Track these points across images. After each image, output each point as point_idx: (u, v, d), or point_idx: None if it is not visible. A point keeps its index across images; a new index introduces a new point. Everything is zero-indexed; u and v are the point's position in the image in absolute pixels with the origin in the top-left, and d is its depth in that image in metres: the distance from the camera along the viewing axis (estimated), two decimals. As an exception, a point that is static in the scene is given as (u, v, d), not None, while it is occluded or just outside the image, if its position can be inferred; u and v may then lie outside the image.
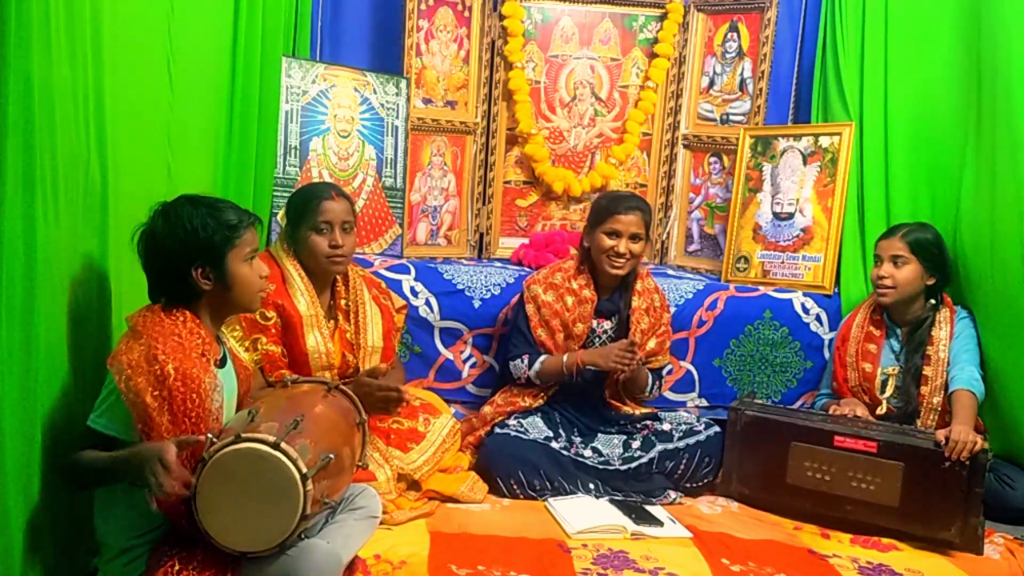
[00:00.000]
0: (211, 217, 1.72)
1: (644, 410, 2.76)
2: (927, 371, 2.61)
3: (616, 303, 2.75)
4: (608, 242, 2.65)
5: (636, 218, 2.65)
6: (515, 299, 2.85)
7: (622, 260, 2.65)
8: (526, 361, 2.67)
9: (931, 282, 2.66)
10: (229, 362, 1.85)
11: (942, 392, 2.57)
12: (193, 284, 1.71)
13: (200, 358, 1.68)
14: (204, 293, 1.73)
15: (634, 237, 2.65)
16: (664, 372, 2.89)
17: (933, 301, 2.69)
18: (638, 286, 2.75)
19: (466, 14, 3.33)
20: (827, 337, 3.01)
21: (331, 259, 2.35)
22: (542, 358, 2.66)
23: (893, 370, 2.68)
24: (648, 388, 2.75)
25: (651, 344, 2.72)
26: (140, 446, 1.58)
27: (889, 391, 2.67)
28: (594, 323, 2.72)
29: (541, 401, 2.68)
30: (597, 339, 2.73)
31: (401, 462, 2.34)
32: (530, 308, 2.71)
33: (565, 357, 2.63)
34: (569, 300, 2.68)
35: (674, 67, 3.45)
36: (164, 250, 1.70)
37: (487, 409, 2.70)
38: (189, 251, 1.70)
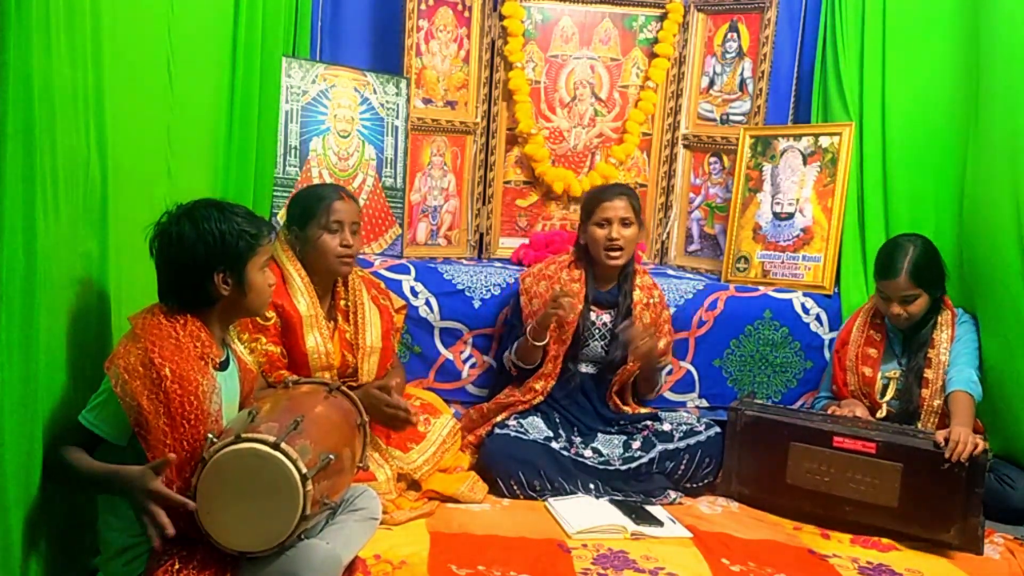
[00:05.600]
0: (236, 224, 1.75)
1: (644, 410, 2.77)
2: (928, 373, 2.60)
3: (615, 295, 2.75)
4: (600, 232, 2.67)
5: (623, 203, 2.67)
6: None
7: (618, 249, 2.66)
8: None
9: (936, 296, 2.66)
10: (232, 365, 1.85)
11: (942, 394, 2.56)
12: (211, 289, 1.73)
13: (198, 361, 1.68)
14: (220, 298, 1.74)
15: (624, 222, 2.66)
16: (664, 372, 2.90)
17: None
18: (638, 281, 2.76)
19: (466, 14, 3.33)
20: (827, 337, 3.01)
21: (341, 259, 2.36)
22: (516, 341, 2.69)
23: (894, 374, 2.67)
24: (658, 386, 2.77)
25: (660, 344, 2.72)
26: (120, 470, 1.57)
27: (889, 395, 2.66)
28: (592, 315, 2.72)
29: (540, 398, 2.68)
30: (596, 331, 2.73)
31: (401, 462, 2.34)
32: (523, 300, 2.74)
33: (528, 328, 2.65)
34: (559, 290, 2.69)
35: (674, 67, 3.45)
36: (188, 253, 1.71)
37: (487, 404, 2.72)
38: (213, 256, 1.71)
